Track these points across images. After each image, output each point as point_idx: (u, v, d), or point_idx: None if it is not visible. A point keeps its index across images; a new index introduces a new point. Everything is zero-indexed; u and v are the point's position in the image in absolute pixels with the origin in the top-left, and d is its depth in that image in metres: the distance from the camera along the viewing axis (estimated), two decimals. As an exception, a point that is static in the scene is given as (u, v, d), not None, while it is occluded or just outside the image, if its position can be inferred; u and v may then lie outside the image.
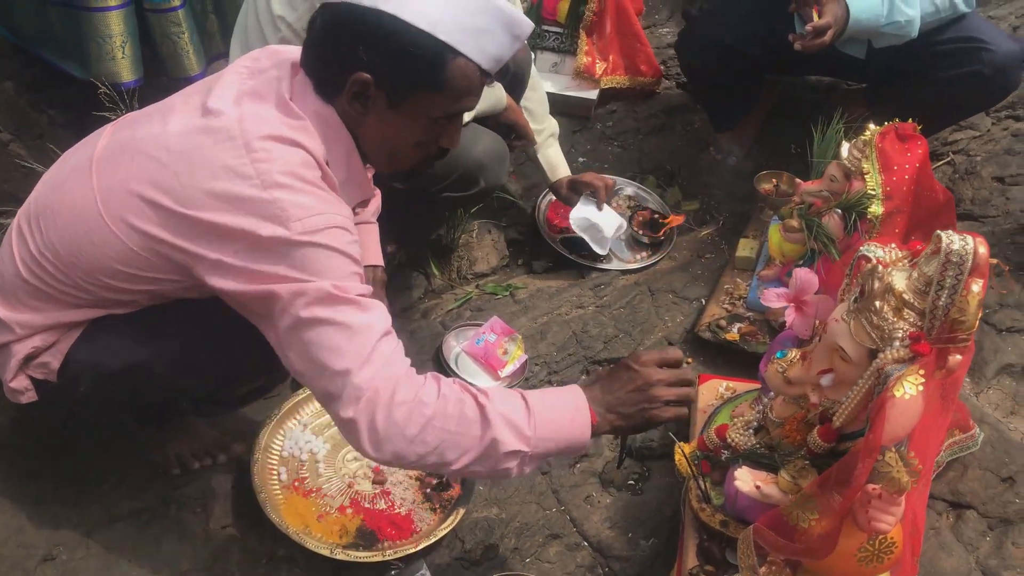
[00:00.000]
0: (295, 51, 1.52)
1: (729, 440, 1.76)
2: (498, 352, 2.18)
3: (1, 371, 1.57)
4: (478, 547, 1.84)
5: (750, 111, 2.85)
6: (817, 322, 1.74)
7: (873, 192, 2.01)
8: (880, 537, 1.41)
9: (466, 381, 2.08)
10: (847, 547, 1.45)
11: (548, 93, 2.58)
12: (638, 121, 3.06)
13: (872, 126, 2.03)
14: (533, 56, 2.70)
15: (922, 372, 1.33)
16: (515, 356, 2.18)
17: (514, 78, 2.31)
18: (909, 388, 1.32)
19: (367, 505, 1.82)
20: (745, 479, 1.61)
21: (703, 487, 1.73)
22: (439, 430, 1.32)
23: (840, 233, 2.07)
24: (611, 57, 3.03)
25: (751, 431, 1.75)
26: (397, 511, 1.82)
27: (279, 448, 1.86)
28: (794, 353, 1.62)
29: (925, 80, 2.41)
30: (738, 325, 2.27)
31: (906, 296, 1.39)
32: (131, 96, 2.32)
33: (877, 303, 1.40)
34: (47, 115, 2.61)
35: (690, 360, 2.29)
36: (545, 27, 3.01)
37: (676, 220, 2.66)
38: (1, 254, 1.56)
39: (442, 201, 2.23)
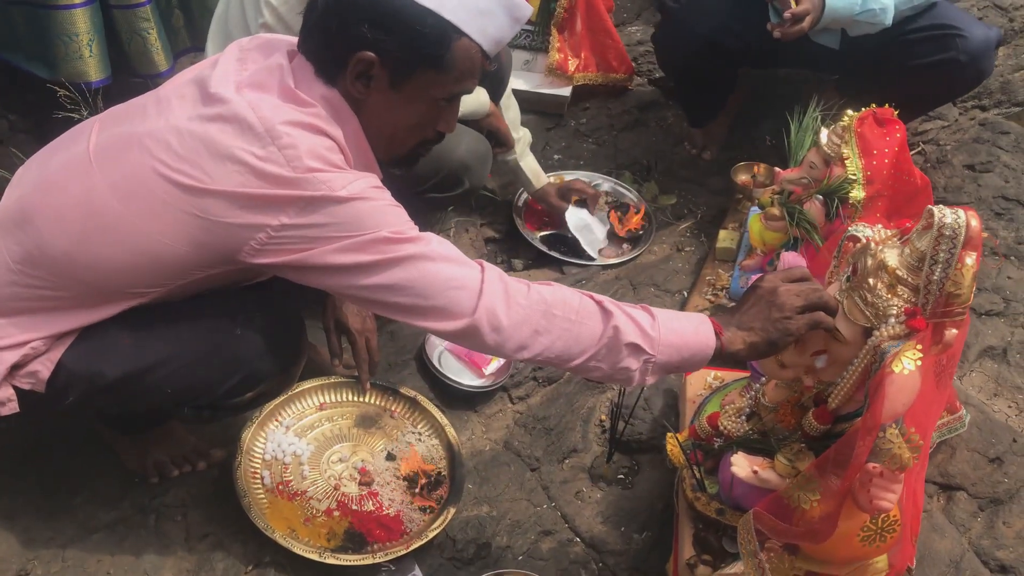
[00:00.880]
0: (285, 39, 1.49)
1: (721, 428, 1.74)
2: (482, 349, 2.14)
3: None
4: (470, 546, 1.80)
5: (725, 106, 2.85)
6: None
7: (854, 177, 2.01)
8: (882, 516, 1.39)
9: (450, 380, 2.08)
10: (848, 529, 1.43)
11: (521, 90, 2.58)
12: (611, 118, 3.05)
13: (850, 112, 2.03)
14: (505, 54, 2.68)
15: (919, 347, 1.33)
16: (499, 353, 2.14)
17: (495, 77, 2.29)
18: (908, 363, 1.31)
19: (354, 507, 1.77)
20: (742, 464, 1.58)
21: (698, 475, 1.71)
22: (560, 319, 1.35)
23: (822, 219, 2.07)
24: (583, 54, 3.02)
25: (743, 418, 1.74)
26: (386, 512, 1.77)
27: (261, 451, 1.81)
28: (786, 336, 1.60)
29: (900, 68, 2.43)
30: (722, 315, 2.26)
31: (899, 272, 1.38)
32: (95, 96, 2.25)
33: (870, 280, 1.40)
34: (7, 120, 2.53)
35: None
36: (516, 25, 2.99)
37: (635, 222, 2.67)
38: None
39: (426, 201, 2.20)
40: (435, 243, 1.38)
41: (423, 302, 1.35)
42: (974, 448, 1.99)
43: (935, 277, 1.33)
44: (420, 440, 1.92)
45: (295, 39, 1.48)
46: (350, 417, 1.93)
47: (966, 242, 1.31)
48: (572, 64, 2.99)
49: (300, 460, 1.81)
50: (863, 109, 2.03)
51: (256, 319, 1.53)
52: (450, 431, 1.93)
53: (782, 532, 1.47)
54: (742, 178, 2.59)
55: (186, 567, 1.69)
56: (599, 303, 1.39)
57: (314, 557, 1.64)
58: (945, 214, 1.32)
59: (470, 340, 1.38)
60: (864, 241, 1.45)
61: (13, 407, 1.50)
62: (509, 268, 2.56)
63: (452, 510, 1.78)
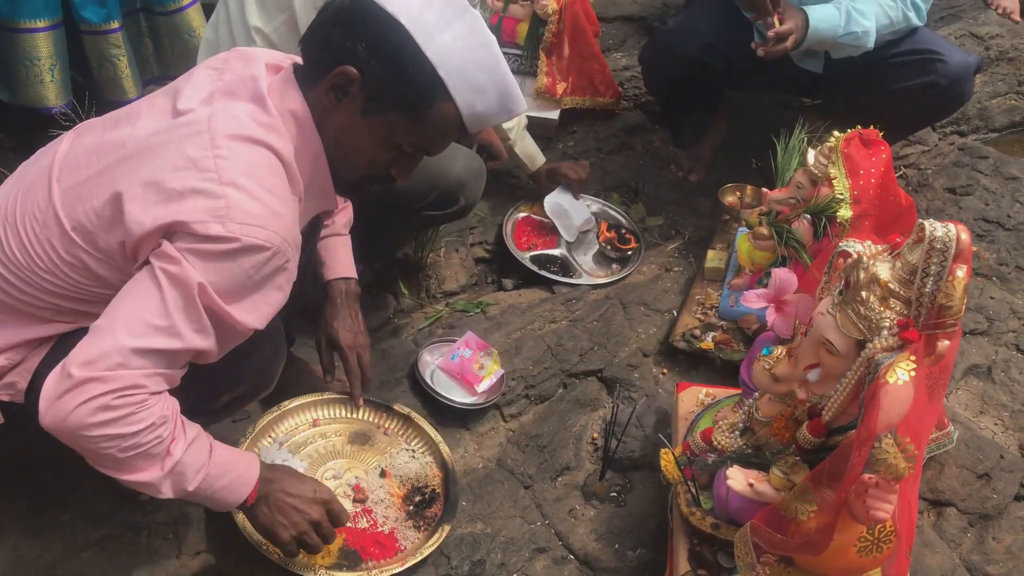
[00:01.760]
0: (267, 53, 1.50)
1: (715, 443, 1.75)
2: (474, 367, 2.15)
3: None
4: (464, 563, 1.79)
5: (710, 128, 2.90)
6: (798, 321, 1.75)
7: (841, 196, 2.04)
8: (879, 526, 1.40)
9: (443, 397, 2.08)
10: (844, 541, 1.44)
11: (510, 114, 2.59)
12: (599, 141, 3.08)
13: (836, 133, 2.07)
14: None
15: (913, 358, 1.35)
16: (491, 371, 2.15)
17: None
18: (902, 374, 1.33)
19: (349, 524, 1.75)
20: (737, 478, 1.59)
21: (693, 490, 1.71)
22: (118, 449, 1.32)
23: (810, 238, 2.10)
24: (570, 78, 3.05)
25: (736, 433, 1.75)
26: (380, 529, 1.76)
27: (254, 468, 1.79)
28: (780, 350, 1.62)
29: (882, 91, 2.48)
30: (712, 334, 2.28)
31: (891, 285, 1.40)
32: (88, 109, 2.24)
33: (863, 293, 1.42)
34: (-5, 139, 2.53)
35: (665, 371, 2.29)
36: (505, 49, 3.01)
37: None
38: None
39: (420, 220, 2.21)
40: (190, 338, 1.32)
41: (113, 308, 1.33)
42: (963, 464, 2.01)
43: (927, 290, 1.36)
44: (414, 457, 1.92)
45: (277, 53, 1.50)
46: (344, 434, 1.92)
47: (957, 255, 1.34)
48: (560, 88, 3.02)
49: (293, 477, 1.80)
50: (848, 131, 2.07)
51: None
52: (444, 448, 1.93)
53: (779, 544, 1.48)
54: (729, 199, 2.62)
55: (177, 585, 1.67)
56: (166, 458, 1.37)
57: (309, 575, 1.62)
58: (936, 228, 1.35)
59: (48, 381, 1.32)
60: (855, 256, 1.48)
61: None
62: (499, 288, 2.57)
63: (447, 527, 1.77)
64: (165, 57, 2.57)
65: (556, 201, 2.67)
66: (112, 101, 2.42)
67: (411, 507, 1.81)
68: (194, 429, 1.42)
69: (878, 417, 1.31)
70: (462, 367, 2.15)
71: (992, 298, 2.49)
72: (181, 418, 1.40)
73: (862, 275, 1.43)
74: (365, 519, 1.77)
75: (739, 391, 1.94)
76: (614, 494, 2.01)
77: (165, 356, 1.32)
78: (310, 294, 1.85)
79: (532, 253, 2.62)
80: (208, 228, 1.28)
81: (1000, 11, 3.31)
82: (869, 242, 1.53)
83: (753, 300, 1.83)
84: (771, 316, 1.80)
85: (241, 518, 1.66)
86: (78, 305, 1.44)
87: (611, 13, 3.50)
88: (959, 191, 2.89)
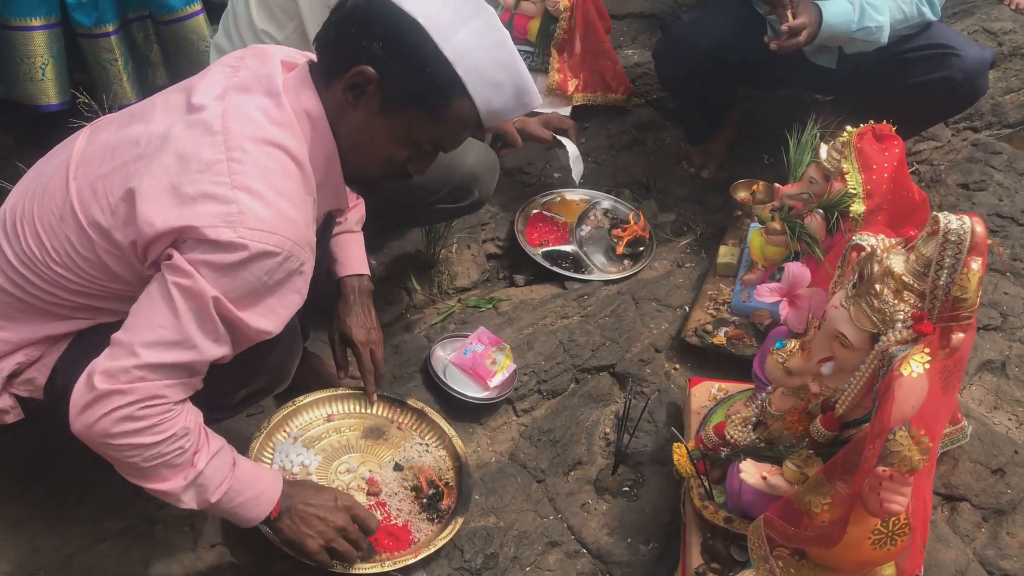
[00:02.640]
0: (283, 50, 1.50)
1: (728, 437, 1.75)
2: (486, 362, 2.15)
3: None
4: (478, 556, 1.80)
5: (723, 124, 2.89)
6: (811, 315, 1.75)
7: (854, 191, 2.04)
8: (893, 519, 1.40)
9: (456, 392, 2.09)
10: (858, 535, 1.44)
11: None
12: (611, 137, 3.08)
13: (849, 128, 2.07)
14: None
15: (927, 351, 1.34)
16: (504, 366, 2.15)
17: None
18: (916, 366, 1.32)
19: (363, 517, 1.76)
20: (751, 471, 1.59)
21: (706, 484, 1.72)
22: (141, 458, 1.35)
23: (822, 233, 2.10)
24: (581, 75, 3.06)
25: (749, 427, 1.75)
26: (394, 522, 1.77)
27: (269, 461, 1.80)
28: (793, 343, 1.62)
29: (896, 86, 2.47)
30: (724, 329, 2.28)
31: (906, 278, 1.40)
32: (101, 109, 2.25)
33: (877, 286, 1.42)
34: (12, 136, 2.54)
35: (677, 367, 2.29)
36: (516, 46, 3.01)
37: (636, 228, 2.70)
38: None
39: (434, 214, 2.22)
40: (206, 349, 1.33)
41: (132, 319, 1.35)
42: (976, 460, 2.01)
43: (941, 282, 1.36)
44: (428, 451, 1.92)
45: (292, 50, 1.50)
46: (357, 428, 1.93)
47: (971, 247, 1.34)
48: (571, 85, 3.02)
49: (308, 471, 1.81)
50: (861, 125, 2.07)
51: None
52: (457, 442, 1.93)
53: (792, 537, 1.48)
54: (741, 195, 2.62)
55: (194, 577, 1.68)
56: (189, 468, 1.40)
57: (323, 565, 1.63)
58: (951, 220, 1.35)
59: (75, 392, 1.34)
60: (869, 249, 1.48)
61: (18, 414, 1.51)
62: (511, 284, 2.57)
63: (460, 520, 1.78)
64: (174, 66, 2.56)
65: (572, 147, 2.66)
66: (115, 105, 2.42)
67: (424, 500, 1.82)
68: (218, 442, 1.44)
69: (892, 410, 1.31)
70: (474, 362, 2.15)
71: (1006, 293, 2.48)
72: (206, 430, 1.42)
73: (876, 268, 1.43)
74: (379, 512, 1.78)
75: (752, 386, 1.94)
76: (626, 488, 2.01)
77: (183, 368, 1.34)
78: (323, 291, 1.86)
79: (544, 249, 2.63)
80: (219, 233, 1.28)
81: (1013, 7, 3.30)
82: (883, 235, 1.53)
83: (766, 294, 1.83)
84: (784, 310, 1.80)
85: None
86: (95, 302, 1.45)
87: (623, 10, 3.50)
88: (972, 187, 2.88)
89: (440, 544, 1.73)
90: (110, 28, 2.34)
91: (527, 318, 2.36)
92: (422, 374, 2.16)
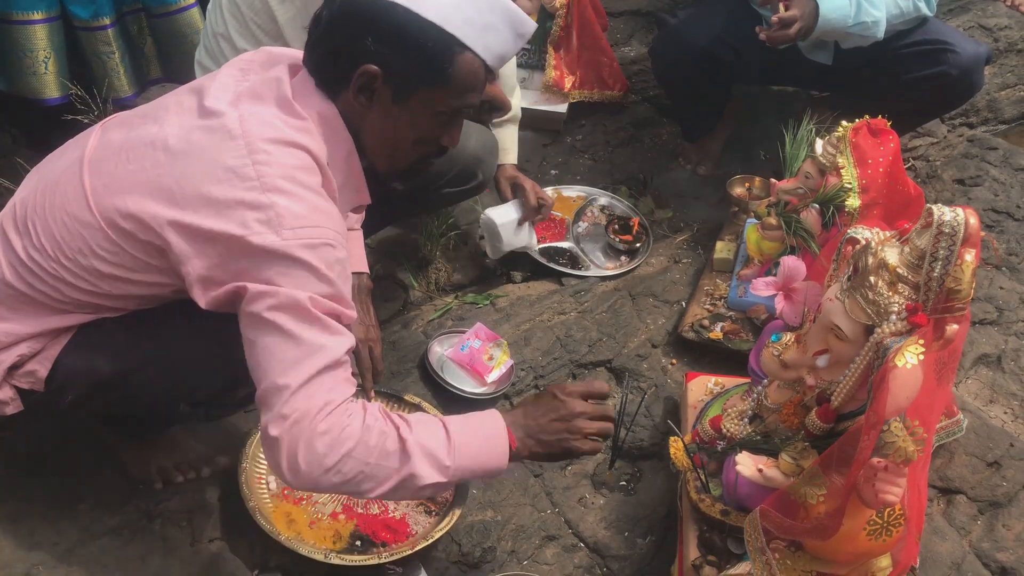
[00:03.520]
0: (291, 53, 1.51)
1: (724, 430, 1.76)
2: (483, 358, 2.16)
3: None
4: (475, 549, 1.80)
5: (719, 121, 2.90)
6: (806, 308, 1.76)
7: (849, 186, 2.04)
8: (888, 510, 1.41)
9: (453, 387, 2.09)
10: (853, 526, 1.45)
11: (518, 107, 2.59)
12: (607, 134, 3.09)
13: (844, 123, 2.07)
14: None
15: (921, 342, 1.35)
16: (501, 361, 2.16)
17: None
18: (910, 358, 1.33)
19: (360, 510, 1.77)
20: (746, 464, 1.60)
21: (703, 477, 1.72)
22: (358, 462, 1.30)
23: (818, 228, 2.10)
24: (578, 72, 3.06)
25: (745, 420, 1.76)
26: (391, 515, 1.77)
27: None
28: (788, 336, 1.63)
29: (892, 82, 2.48)
30: (721, 324, 2.29)
31: (900, 270, 1.41)
32: (104, 102, 2.25)
33: (871, 279, 1.42)
34: (11, 134, 2.54)
35: (674, 362, 2.30)
36: (513, 43, 3.03)
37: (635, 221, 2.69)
38: None
39: (440, 198, 2.23)
40: (333, 345, 1.31)
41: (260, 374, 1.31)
42: (972, 452, 2.02)
43: (935, 274, 1.36)
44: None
45: (298, 52, 1.51)
46: (354, 423, 1.93)
47: (965, 239, 1.34)
48: (568, 81, 3.03)
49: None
50: (856, 120, 2.07)
51: None
52: (454, 437, 1.94)
53: (788, 529, 1.48)
54: (738, 191, 2.63)
55: (192, 571, 1.68)
56: (402, 442, 1.33)
57: (319, 558, 1.64)
58: (944, 212, 1.35)
59: (269, 453, 1.32)
60: (864, 242, 1.48)
61: (17, 406, 1.51)
62: (508, 280, 2.58)
63: (457, 512, 1.79)
64: (168, 59, 2.56)
65: (492, 219, 2.39)
66: (109, 98, 2.41)
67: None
68: (406, 416, 1.39)
69: (887, 401, 1.32)
70: (472, 357, 2.16)
71: (1001, 288, 2.49)
72: (384, 411, 1.37)
73: (870, 260, 1.44)
74: (376, 505, 1.78)
75: (748, 380, 1.95)
76: (624, 483, 2.02)
77: (326, 371, 1.31)
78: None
79: (541, 246, 2.63)
80: (264, 239, 1.27)
81: (1008, 3, 3.30)
82: (877, 229, 1.54)
83: (762, 288, 1.84)
84: (780, 303, 1.81)
85: (253, 505, 1.68)
86: (98, 300, 1.45)
87: (619, 7, 3.50)
88: (968, 182, 2.88)
89: (437, 536, 1.74)
90: (107, 21, 2.35)
91: (524, 314, 2.37)
92: (419, 370, 2.17)
